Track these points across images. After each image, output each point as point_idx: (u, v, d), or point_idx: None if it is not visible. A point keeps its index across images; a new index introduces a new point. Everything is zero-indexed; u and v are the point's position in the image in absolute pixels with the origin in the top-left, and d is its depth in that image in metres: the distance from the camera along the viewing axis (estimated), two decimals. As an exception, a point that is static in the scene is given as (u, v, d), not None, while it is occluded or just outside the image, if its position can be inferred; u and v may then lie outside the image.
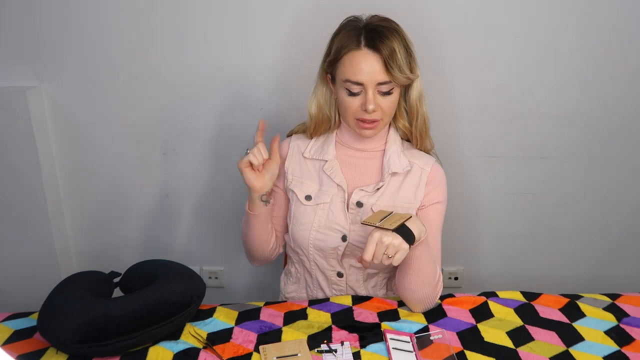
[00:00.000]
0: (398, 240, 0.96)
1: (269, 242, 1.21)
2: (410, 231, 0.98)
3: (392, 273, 1.24)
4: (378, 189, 1.15)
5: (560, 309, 1.12)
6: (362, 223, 1.03)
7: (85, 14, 1.42)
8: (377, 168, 1.17)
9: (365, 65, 1.02)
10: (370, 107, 1.04)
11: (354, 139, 1.17)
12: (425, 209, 1.16)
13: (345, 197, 1.15)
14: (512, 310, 1.11)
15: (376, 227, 0.98)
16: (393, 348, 0.96)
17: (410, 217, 1.00)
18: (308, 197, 1.16)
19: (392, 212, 1.03)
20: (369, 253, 0.96)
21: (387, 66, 1.02)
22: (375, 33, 1.03)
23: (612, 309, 1.12)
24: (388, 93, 1.06)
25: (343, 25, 1.09)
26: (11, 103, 1.44)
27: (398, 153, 1.16)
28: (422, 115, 1.15)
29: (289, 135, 1.27)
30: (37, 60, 1.47)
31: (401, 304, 1.13)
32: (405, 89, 1.13)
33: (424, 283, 1.06)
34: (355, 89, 1.05)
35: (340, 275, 1.20)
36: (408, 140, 1.21)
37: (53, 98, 1.52)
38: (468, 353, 0.96)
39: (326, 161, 1.17)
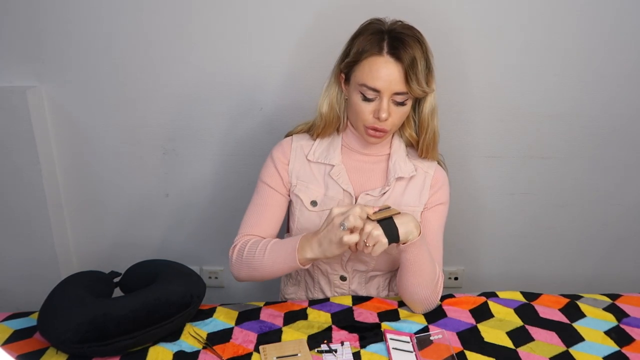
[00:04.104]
0: (377, 232, 0.95)
1: None
2: (396, 229, 0.97)
3: (393, 274, 1.24)
4: (384, 193, 1.14)
5: (560, 309, 1.12)
6: None
7: (85, 14, 1.42)
8: (382, 172, 1.17)
9: (384, 73, 1.01)
10: (384, 115, 1.03)
11: (360, 143, 1.16)
12: (428, 210, 1.16)
13: (352, 202, 1.14)
14: (512, 311, 1.11)
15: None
16: (393, 348, 0.96)
17: (399, 213, 0.99)
18: (314, 203, 1.15)
19: (389, 207, 1.01)
20: (352, 236, 0.96)
21: (407, 77, 1.00)
22: (399, 41, 1.01)
23: (612, 309, 1.12)
24: (402, 104, 1.05)
25: (365, 27, 1.07)
26: (11, 103, 1.45)
27: (404, 157, 1.16)
28: (433, 129, 1.13)
29: (288, 135, 1.24)
30: (37, 60, 1.47)
31: (401, 304, 1.13)
32: (418, 101, 1.12)
33: (422, 284, 1.06)
34: (371, 95, 1.03)
35: (343, 279, 1.20)
36: (411, 146, 1.20)
37: (53, 98, 1.52)
38: (468, 353, 0.96)
39: (332, 166, 1.15)
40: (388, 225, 0.97)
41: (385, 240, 0.95)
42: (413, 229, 0.99)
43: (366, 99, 1.04)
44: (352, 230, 0.95)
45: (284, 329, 1.03)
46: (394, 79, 1.01)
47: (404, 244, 1.01)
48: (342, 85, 1.12)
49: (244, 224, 1.16)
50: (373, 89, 1.02)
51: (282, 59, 1.48)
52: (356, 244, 0.96)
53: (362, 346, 0.97)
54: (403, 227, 0.98)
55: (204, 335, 1.00)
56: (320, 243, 0.99)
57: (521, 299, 1.15)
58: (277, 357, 0.93)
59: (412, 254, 1.03)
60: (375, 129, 1.06)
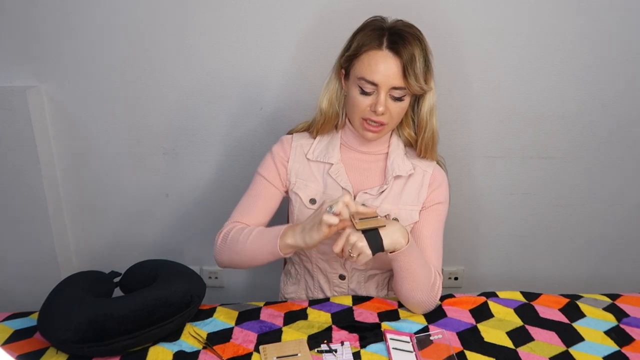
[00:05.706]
0: (362, 244, 0.95)
1: None
2: (380, 239, 0.97)
3: (392, 273, 1.24)
4: (382, 192, 1.14)
5: (560, 309, 1.12)
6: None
7: (85, 14, 1.42)
8: (380, 171, 1.17)
9: (383, 67, 1.02)
10: (380, 109, 1.04)
11: (359, 141, 1.16)
12: (426, 209, 1.16)
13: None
14: (512, 311, 1.11)
15: (352, 222, 0.97)
16: (393, 348, 0.96)
17: (384, 225, 0.98)
18: (312, 201, 1.16)
19: (376, 216, 1.00)
20: (338, 246, 0.97)
21: (405, 72, 1.01)
22: (398, 36, 1.02)
23: (612, 309, 1.12)
24: (399, 99, 1.05)
25: (367, 23, 1.08)
26: (11, 103, 1.45)
27: (402, 156, 1.16)
28: (431, 129, 1.13)
29: (289, 133, 1.24)
30: (37, 60, 1.47)
31: (401, 304, 1.13)
32: (417, 100, 1.12)
33: (417, 289, 1.05)
34: (369, 88, 1.04)
35: (342, 277, 1.20)
36: (410, 146, 1.20)
37: (53, 98, 1.52)
38: (468, 353, 0.96)
39: (331, 164, 1.16)
40: (373, 236, 0.97)
41: (369, 251, 0.96)
42: (399, 239, 0.99)
43: (364, 93, 1.05)
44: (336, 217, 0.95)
45: (284, 329, 1.03)
46: (392, 74, 1.02)
47: (391, 252, 1.01)
48: (342, 81, 1.13)
49: (235, 212, 1.17)
50: (371, 83, 1.03)
51: (282, 59, 1.48)
52: (342, 250, 0.97)
53: (362, 346, 0.97)
54: (388, 237, 0.98)
55: (204, 335, 1.00)
56: (304, 228, 0.99)
57: (521, 299, 1.15)
58: (277, 357, 0.93)
59: (403, 261, 1.03)
60: (371, 122, 1.07)
